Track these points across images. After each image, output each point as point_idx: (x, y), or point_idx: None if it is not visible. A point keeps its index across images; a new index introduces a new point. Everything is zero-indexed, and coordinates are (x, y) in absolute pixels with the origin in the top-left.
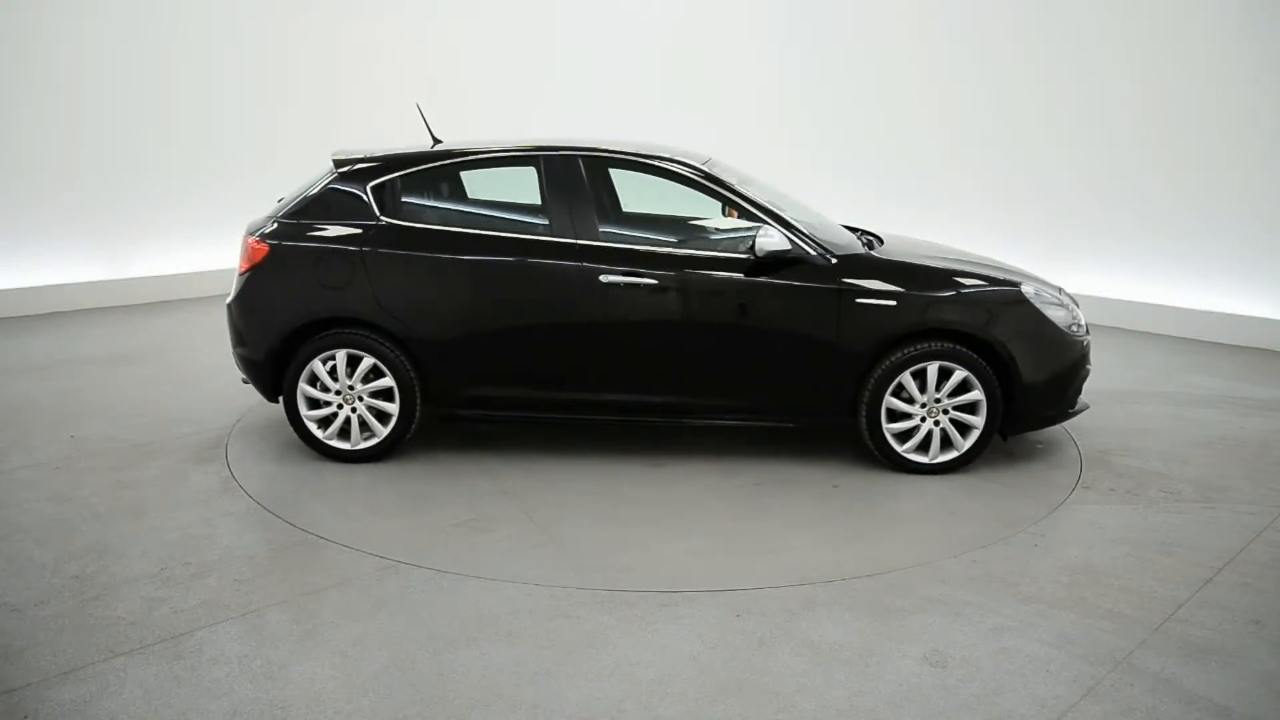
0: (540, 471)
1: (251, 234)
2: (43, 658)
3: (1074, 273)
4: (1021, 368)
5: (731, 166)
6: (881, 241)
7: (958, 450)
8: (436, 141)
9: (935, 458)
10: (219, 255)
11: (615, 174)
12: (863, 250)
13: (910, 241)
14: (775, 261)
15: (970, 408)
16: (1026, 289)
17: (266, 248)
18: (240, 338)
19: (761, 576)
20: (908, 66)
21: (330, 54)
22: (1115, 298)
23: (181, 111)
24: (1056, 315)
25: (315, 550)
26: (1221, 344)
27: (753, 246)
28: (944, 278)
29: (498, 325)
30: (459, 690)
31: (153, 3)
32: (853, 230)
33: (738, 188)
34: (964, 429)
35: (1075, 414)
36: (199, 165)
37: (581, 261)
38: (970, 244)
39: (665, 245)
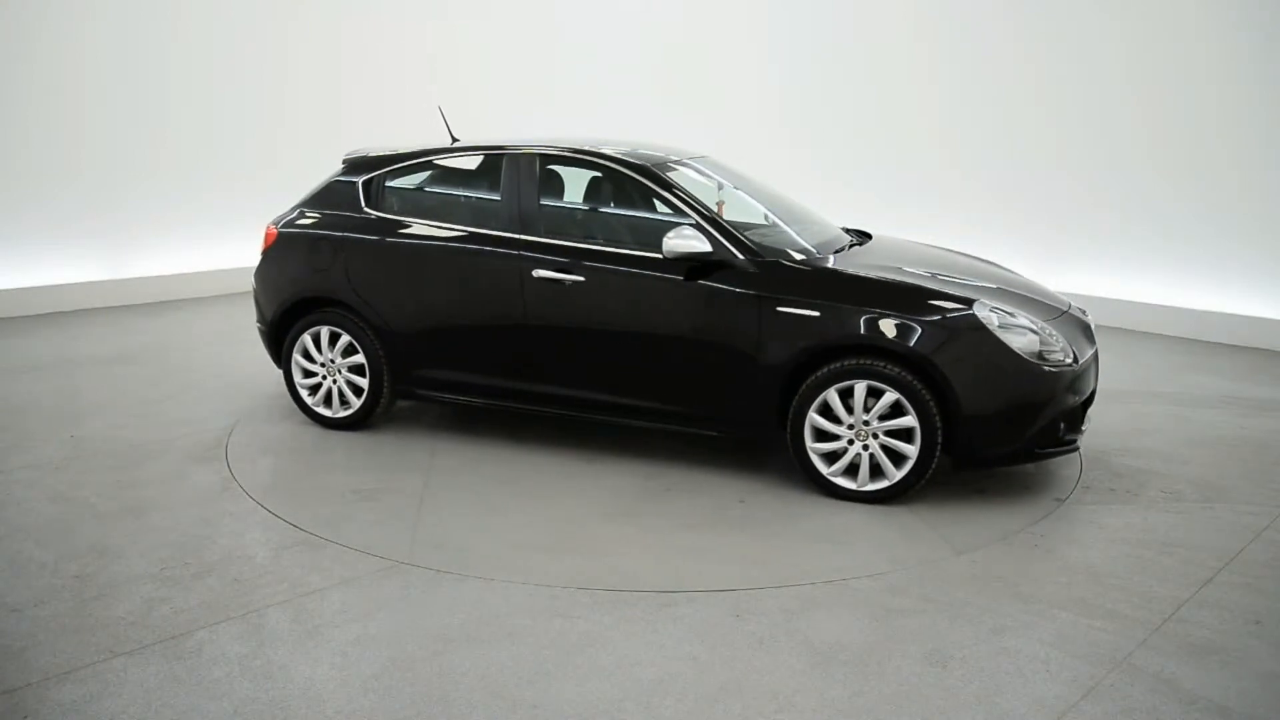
0: (478, 454)
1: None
2: (43, 658)
3: (1074, 273)
4: (961, 395)
5: (725, 164)
6: (867, 240)
7: (889, 480)
8: (454, 140)
9: (864, 485)
10: (219, 255)
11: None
12: (798, 256)
13: (899, 244)
14: (703, 264)
15: (906, 434)
16: (980, 309)
17: (276, 233)
18: (259, 312)
19: (555, 575)
20: (908, 67)
21: (330, 54)
22: (1115, 298)
23: (181, 111)
24: (1018, 341)
25: (315, 550)
26: (1221, 344)
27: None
28: (881, 289)
29: (447, 312)
30: (459, 690)
31: (153, 3)
32: (850, 232)
33: (678, 188)
34: (900, 457)
35: (1054, 454)
36: (199, 165)
37: (519, 257)
38: (970, 244)
39: (598, 243)
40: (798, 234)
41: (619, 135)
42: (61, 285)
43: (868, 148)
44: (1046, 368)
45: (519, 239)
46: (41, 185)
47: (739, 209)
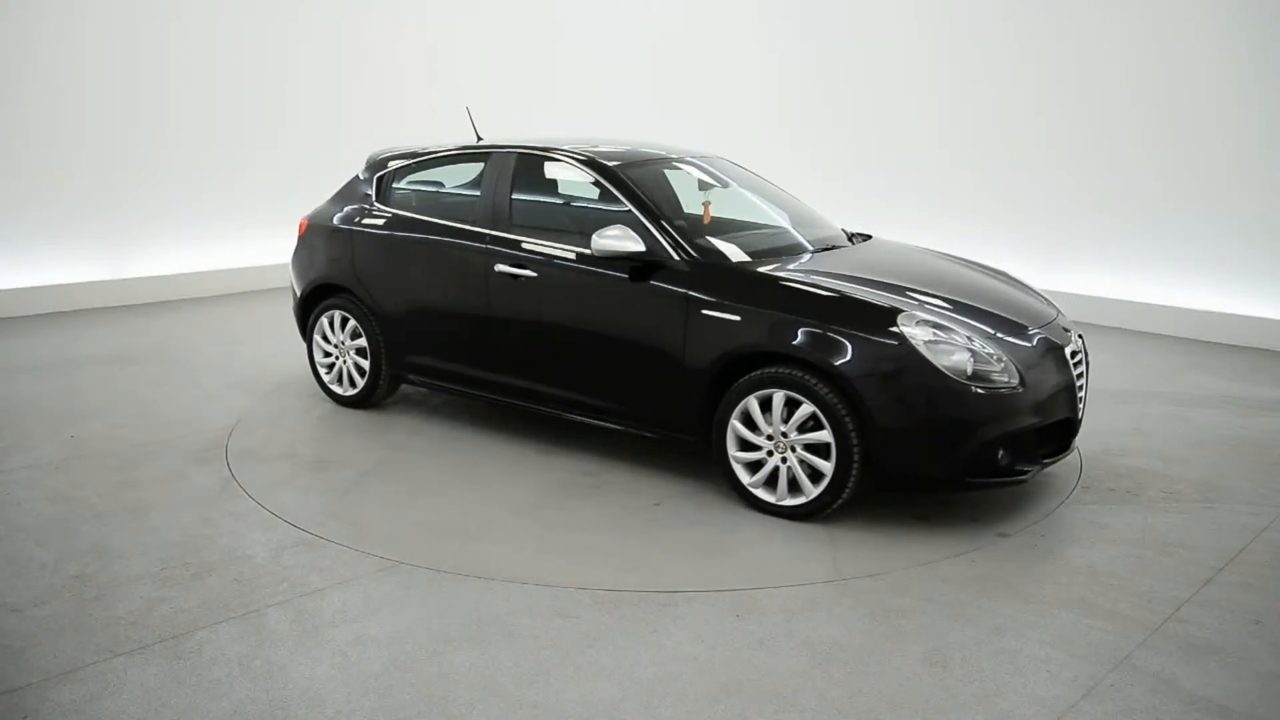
0: (451, 438)
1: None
2: (43, 658)
3: (1074, 273)
4: (874, 411)
5: (733, 164)
6: (860, 241)
7: (806, 496)
8: (479, 139)
9: (782, 499)
10: (219, 255)
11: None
12: (730, 259)
13: (892, 247)
14: (645, 264)
15: (825, 450)
16: (905, 322)
17: (306, 223)
18: (293, 295)
19: (432, 559)
20: (908, 68)
21: (330, 54)
22: (1115, 298)
23: (181, 111)
24: (946, 359)
25: (315, 550)
26: (1221, 344)
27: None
28: (805, 296)
29: (428, 302)
30: (459, 690)
31: (153, 3)
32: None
33: (637, 188)
34: (820, 473)
35: (995, 484)
36: (199, 165)
37: (485, 251)
38: (971, 244)
39: (555, 240)
40: (799, 233)
41: (620, 135)
42: (62, 285)
43: (868, 148)
44: (976, 388)
45: (486, 234)
46: (42, 185)
47: (743, 208)
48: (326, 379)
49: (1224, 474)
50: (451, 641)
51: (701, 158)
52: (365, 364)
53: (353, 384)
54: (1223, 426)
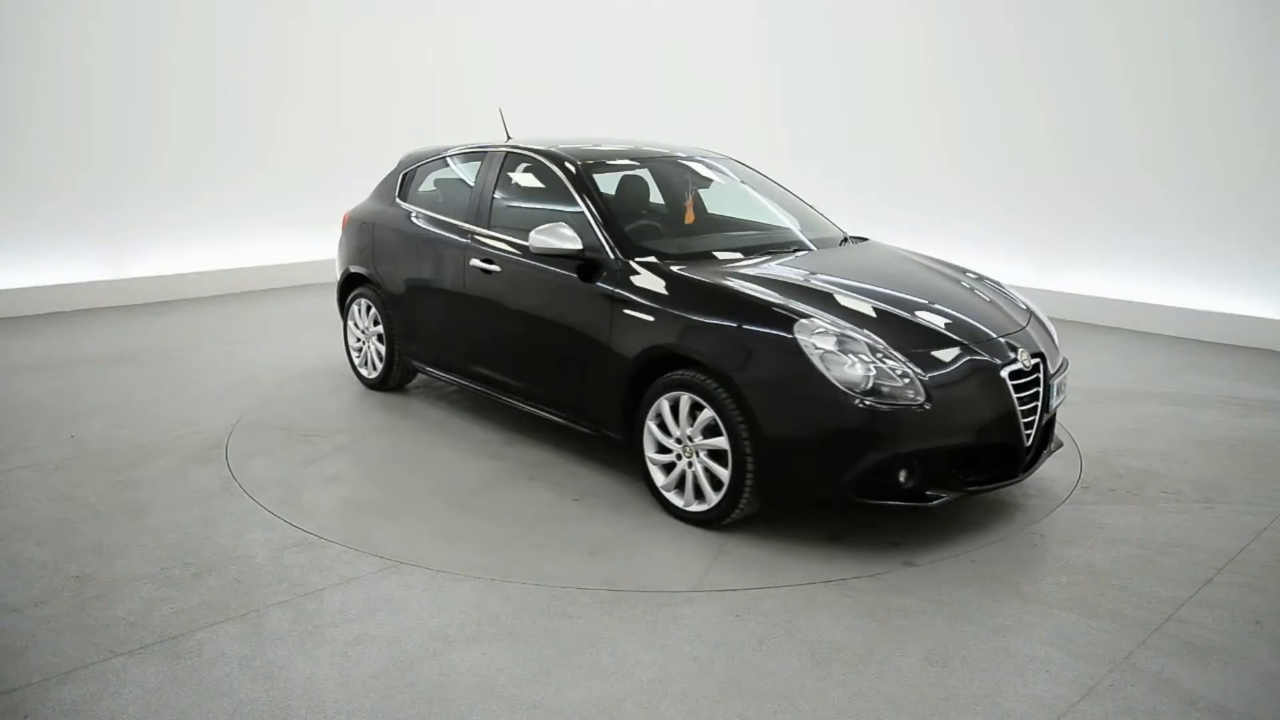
0: (442, 422)
1: None
2: (43, 658)
3: (1074, 273)
4: (760, 418)
5: (742, 165)
6: (855, 244)
7: (707, 503)
8: (509, 138)
9: (689, 505)
10: (219, 255)
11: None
12: (657, 260)
13: (880, 250)
14: (590, 263)
15: (724, 457)
16: (801, 331)
17: (347, 217)
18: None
19: (339, 534)
20: (908, 69)
21: (330, 54)
22: (1115, 298)
23: (181, 111)
24: (842, 371)
25: (315, 550)
26: (1221, 344)
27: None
28: (707, 299)
29: (426, 293)
30: (459, 690)
31: (153, 3)
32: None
33: (596, 189)
34: (720, 481)
35: (892, 506)
36: (199, 165)
37: (464, 246)
38: (971, 244)
39: (521, 237)
40: (784, 235)
41: (621, 136)
42: (62, 285)
43: (868, 149)
44: (867, 403)
45: (469, 229)
46: (42, 185)
47: (737, 208)
48: (355, 361)
49: (1224, 474)
50: (451, 641)
51: (703, 156)
52: (383, 349)
53: (374, 368)
54: (1223, 426)
